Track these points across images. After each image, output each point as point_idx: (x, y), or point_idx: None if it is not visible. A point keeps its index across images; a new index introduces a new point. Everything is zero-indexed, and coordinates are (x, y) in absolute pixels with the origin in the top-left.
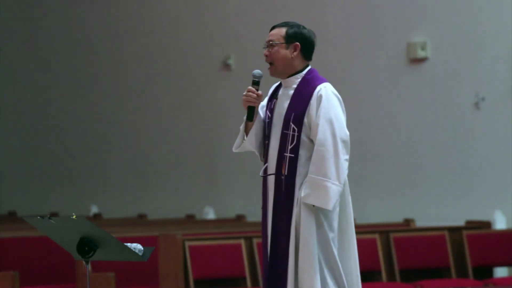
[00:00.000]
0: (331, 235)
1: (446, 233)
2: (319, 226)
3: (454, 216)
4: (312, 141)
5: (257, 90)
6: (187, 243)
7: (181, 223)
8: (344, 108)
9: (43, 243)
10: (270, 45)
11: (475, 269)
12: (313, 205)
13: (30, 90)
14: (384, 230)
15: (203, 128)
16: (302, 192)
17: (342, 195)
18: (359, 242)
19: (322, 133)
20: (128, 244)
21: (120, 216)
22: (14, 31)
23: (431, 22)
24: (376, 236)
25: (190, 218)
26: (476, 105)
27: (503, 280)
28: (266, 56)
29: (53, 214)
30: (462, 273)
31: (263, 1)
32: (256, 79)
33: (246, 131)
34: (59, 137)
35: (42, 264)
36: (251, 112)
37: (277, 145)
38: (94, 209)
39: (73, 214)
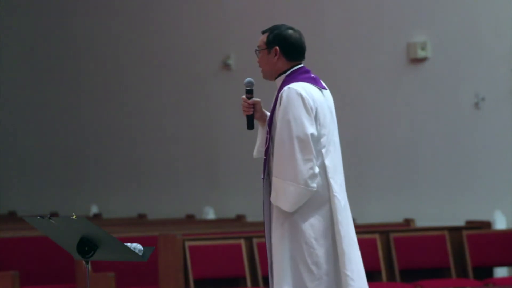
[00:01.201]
0: (310, 234)
1: (446, 233)
2: (292, 227)
3: (454, 216)
4: None
5: (250, 98)
6: (187, 243)
7: (181, 223)
8: (311, 107)
9: (43, 243)
10: (257, 51)
11: (475, 269)
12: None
13: (32, 91)
14: (384, 230)
15: (203, 128)
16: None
17: (323, 194)
18: (359, 242)
19: (280, 134)
20: (128, 244)
21: (120, 216)
22: (19, 30)
23: (431, 22)
24: (376, 236)
25: (190, 218)
26: (476, 105)
27: (503, 280)
28: (258, 62)
29: (53, 214)
30: (462, 273)
31: (263, 1)
32: (248, 88)
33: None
34: (59, 137)
35: (42, 264)
36: (248, 120)
37: None
38: (94, 209)
39: (73, 214)
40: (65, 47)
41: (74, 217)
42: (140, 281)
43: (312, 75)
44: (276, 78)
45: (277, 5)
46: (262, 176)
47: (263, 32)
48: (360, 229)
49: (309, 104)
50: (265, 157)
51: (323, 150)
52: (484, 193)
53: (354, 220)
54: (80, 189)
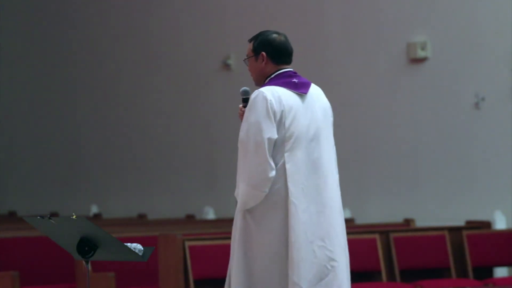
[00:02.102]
0: (258, 232)
1: (446, 233)
2: (243, 223)
3: (454, 216)
4: None
5: (245, 106)
6: (187, 243)
7: (181, 223)
8: (275, 112)
9: (43, 243)
10: (246, 60)
11: (475, 269)
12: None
13: (30, 90)
14: (384, 230)
15: (203, 128)
16: None
17: (275, 196)
18: (359, 242)
19: (240, 135)
20: (128, 244)
21: (120, 216)
22: (17, 28)
23: (431, 22)
24: (376, 236)
25: (190, 218)
26: (476, 105)
27: (503, 280)
28: (249, 70)
29: (53, 214)
30: (462, 273)
31: (263, 1)
32: (244, 97)
33: None
34: (59, 137)
35: (42, 264)
36: None
37: None
38: (94, 209)
39: (73, 214)
40: (65, 47)
41: (74, 217)
42: (140, 281)
43: (294, 80)
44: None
45: (277, 5)
46: None
47: (250, 41)
48: (360, 229)
49: (273, 108)
50: None
51: (286, 154)
52: (484, 193)
53: (354, 220)
54: (80, 189)
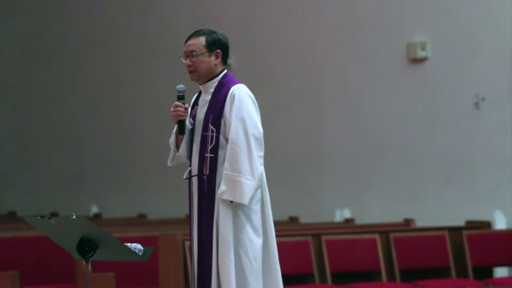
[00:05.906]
0: (250, 229)
1: (446, 233)
2: (237, 221)
3: (454, 216)
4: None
5: (183, 104)
6: (187, 243)
7: (181, 223)
8: (258, 108)
9: (43, 243)
10: (192, 55)
11: (475, 269)
12: (231, 201)
13: (30, 90)
14: (384, 230)
15: None
16: (219, 189)
17: (259, 193)
18: (359, 242)
19: (235, 131)
20: (128, 244)
21: (120, 216)
22: (15, 29)
23: (431, 22)
24: (376, 236)
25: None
26: (476, 105)
27: (503, 280)
28: (189, 65)
29: (53, 214)
30: (462, 273)
31: (263, 1)
32: (181, 94)
33: (177, 143)
34: (59, 137)
35: (42, 264)
36: (182, 125)
37: (198, 148)
38: (94, 209)
39: (73, 214)
40: (64, 47)
41: (74, 217)
42: (140, 281)
43: None
44: (208, 80)
45: (277, 5)
46: (195, 174)
47: (191, 37)
48: (360, 229)
49: (255, 103)
50: (212, 155)
51: None
52: (484, 193)
53: (354, 220)
54: (80, 189)
